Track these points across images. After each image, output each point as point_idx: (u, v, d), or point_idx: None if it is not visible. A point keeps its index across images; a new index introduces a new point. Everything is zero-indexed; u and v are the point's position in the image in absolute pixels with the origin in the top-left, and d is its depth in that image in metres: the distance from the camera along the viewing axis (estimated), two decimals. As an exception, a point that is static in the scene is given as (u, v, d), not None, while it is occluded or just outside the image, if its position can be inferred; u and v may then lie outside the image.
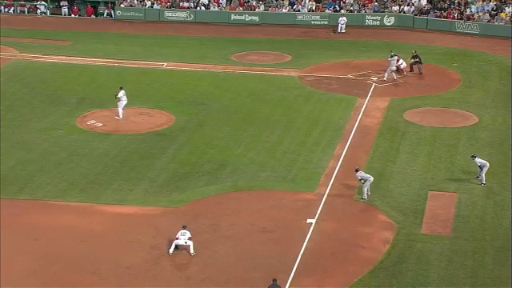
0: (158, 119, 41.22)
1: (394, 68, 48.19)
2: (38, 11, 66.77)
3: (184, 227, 27.83)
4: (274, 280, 24.72)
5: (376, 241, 28.80)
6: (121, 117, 40.84)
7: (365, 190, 32.05)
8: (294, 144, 37.94)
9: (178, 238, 27.58)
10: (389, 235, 29.11)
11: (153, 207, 31.11)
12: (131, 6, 65.85)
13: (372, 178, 32.24)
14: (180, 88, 46.94)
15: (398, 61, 48.68)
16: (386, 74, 47.94)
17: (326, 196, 32.13)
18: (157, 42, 58.21)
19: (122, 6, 65.75)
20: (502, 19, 60.08)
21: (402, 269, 26.97)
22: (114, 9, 65.73)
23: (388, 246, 28.33)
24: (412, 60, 49.25)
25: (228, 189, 33.02)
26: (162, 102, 43.00)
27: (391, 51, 48.97)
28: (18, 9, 66.88)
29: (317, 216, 30.36)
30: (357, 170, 32.53)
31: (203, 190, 32.82)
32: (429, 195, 32.38)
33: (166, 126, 40.27)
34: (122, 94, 40.86)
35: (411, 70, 49.34)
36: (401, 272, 26.77)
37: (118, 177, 33.94)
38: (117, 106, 40.95)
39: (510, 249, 28.04)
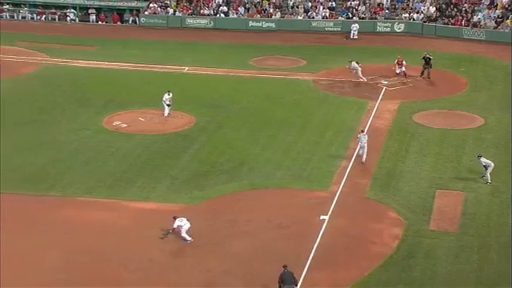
0: (179, 120, 41.33)
1: (359, 71, 48.14)
2: (68, 18, 67.19)
3: (182, 219, 28.04)
4: (285, 266, 24.48)
5: (386, 237, 28.74)
6: (165, 114, 41.46)
7: (360, 151, 35.13)
8: (308, 144, 37.92)
9: (181, 228, 27.81)
10: (398, 231, 29.05)
11: (175, 204, 31.19)
12: (155, 13, 66.11)
13: (365, 149, 34.79)
14: (200, 91, 47.02)
15: (401, 64, 48.43)
16: (361, 77, 48.08)
17: (338, 194, 32.09)
18: (179, 47, 58.39)
19: (146, 13, 66.03)
20: (508, 26, 59.71)
21: (411, 263, 26.91)
22: (138, 16, 66.00)
23: (397, 242, 28.26)
24: (423, 61, 48.81)
25: (245, 187, 33.06)
26: (184, 104, 43.05)
27: (350, 60, 48.87)
28: (50, 16, 67.33)
29: (330, 213, 30.32)
30: (362, 131, 35.75)
31: (222, 188, 32.88)
32: (436, 193, 32.26)
33: (187, 127, 40.37)
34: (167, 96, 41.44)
35: (422, 74, 48.94)
36: (410, 266, 26.71)
37: (143, 175, 34.09)
38: (163, 107, 41.48)
39: (511, 245, 27.87)
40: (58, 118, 41.50)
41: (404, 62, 48.87)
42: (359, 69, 48.57)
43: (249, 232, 29.00)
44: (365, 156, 35.16)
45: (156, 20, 65.57)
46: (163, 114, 41.55)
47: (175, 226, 28.01)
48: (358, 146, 35.51)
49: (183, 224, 28.00)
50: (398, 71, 48.89)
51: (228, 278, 25.93)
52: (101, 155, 36.40)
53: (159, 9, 66.41)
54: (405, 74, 48.69)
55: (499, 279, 26.05)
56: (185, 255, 27.34)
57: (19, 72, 50.55)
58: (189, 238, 27.98)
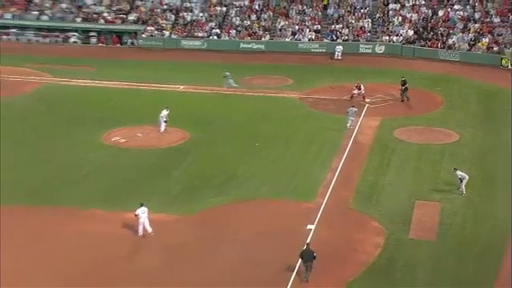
0: (174, 136, 41.00)
1: (232, 82, 49.98)
2: (71, 40, 66.88)
3: (142, 204, 28.29)
4: (307, 244, 25.19)
5: (368, 245, 28.47)
6: (162, 130, 41.22)
7: (348, 122, 41.57)
8: (294, 158, 37.66)
9: (140, 218, 28.15)
10: (380, 240, 28.79)
11: (168, 215, 30.81)
12: (152, 35, 65.90)
13: (353, 121, 41.64)
14: (194, 108, 46.74)
15: (359, 88, 48.02)
16: (225, 87, 49.84)
17: (323, 205, 31.80)
18: (174, 67, 58.16)
19: (143, 35, 65.81)
20: (480, 48, 59.88)
21: (392, 270, 26.66)
22: (136, 38, 65.76)
23: (379, 250, 28.01)
24: (402, 87, 48.32)
25: (235, 199, 32.70)
26: (179, 120, 42.66)
27: (225, 71, 50.61)
28: (53, 39, 66.97)
29: (316, 223, 30.01)
30: (353, 106, 42.73)
31: (213, 200, 32.50)
32: (416, 204, 32.02)
33: (181, 142, 40.07)
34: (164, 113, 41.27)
35: (402, 100, 48.34)
36: (391, 273, 26.48)
37: (139, 187, 33.72)
38: (160, 123, 41.23)
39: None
40: (59, 134, 41.05)
41: (362, 87, 48.30)
42: (231, 79, 49.96)
43: (238, 241, 28.64)
44: (350, 124, 41.61)
45: (153, 42, 65.37)
46: (159, 130, 41.24)
47: (136, 212, 28.18)
48: (348, 120, 41.65)
49: (142, 216, 28.13)
50: (355, 92, 48.24)
51: (218, 286, 25.49)
52: (100, 169, 36.02)
53: (156, 31, 66.23)
54: (363, 97, 48.18)
55: (474, 286, 25.76)
56: (176, 263, 26.93)
57: (22, 90, 50.13)
58: (149, 229, 28.37)
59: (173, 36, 66.02)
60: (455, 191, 33.14)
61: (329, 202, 32.15)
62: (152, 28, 66.38)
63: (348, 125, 41.83)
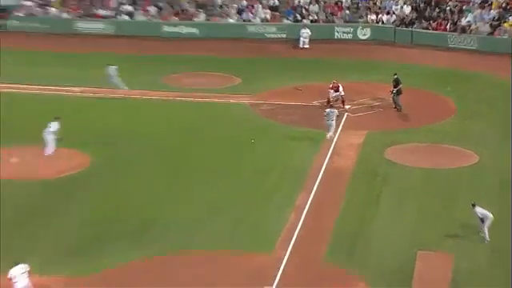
0: (67, 161, 40.87)
1: (120, 82, 51.24)
2: None
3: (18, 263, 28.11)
4: None
5: (352, 316, 28.69)
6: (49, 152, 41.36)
7: (327, 129, 43.15)
8: (243, 193, 37.71)
9: (16, 282, 27.70)
10: (369, 308, 29.02)
11: (55, 277, 30.32)
12: (31, 14, 65.35)
13: (333, 127, 42.93)
14: (97, 121, 46.67)
15: (336, 89, 48.63)
16: (122, 86, 51.53)
17: (286, 258, 31.82)
18: (67, 61, 57.92)
19: (18, 14, 65.19)
20: (506, 31, 60.78)
21: None
22: (7, 18, 65.15)
23: (368, 323, 28.22)
24: (394, 89, 48.79)
25: (157, 253, 32.48)
26: (74, 138, 42.44)
27: (108, 65, 51.67)
28: None
29: (275, 284, 29.94)
30: (331, 106, 45.52)
31: (124, 255, 32.14)
32: (418, 255, 32.25)
33: (77, 171, 39.93)
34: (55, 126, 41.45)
35: (395, 106, 48.85)
36: None
37: (12, 237, 33.19)
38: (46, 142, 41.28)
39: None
40: None
41: (341, 88, 48.84)
42: (117, 77, 51.02)
43: (162, 315, 28.52)
44: (331, 134, 43.52)
45: (33, 24, 65.14)
46: (46, 152, 41.00)
47: (10, 274, 27.95)
48: (326, 122, 43.62)
49: (19, 278, 27.89)
50: (331, 96, 48.84)
51: None
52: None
53: (37, 8, 65.78)
54: (342, 102, 48.84)
55: None
56: None
57: None
58: None
59: (63, 15, 65.67)
60: (474, 236, 33.52)
61: (293, 254, 32.16)
62: (30, 3, 65.95)
63: (328, 134, 43.33)
